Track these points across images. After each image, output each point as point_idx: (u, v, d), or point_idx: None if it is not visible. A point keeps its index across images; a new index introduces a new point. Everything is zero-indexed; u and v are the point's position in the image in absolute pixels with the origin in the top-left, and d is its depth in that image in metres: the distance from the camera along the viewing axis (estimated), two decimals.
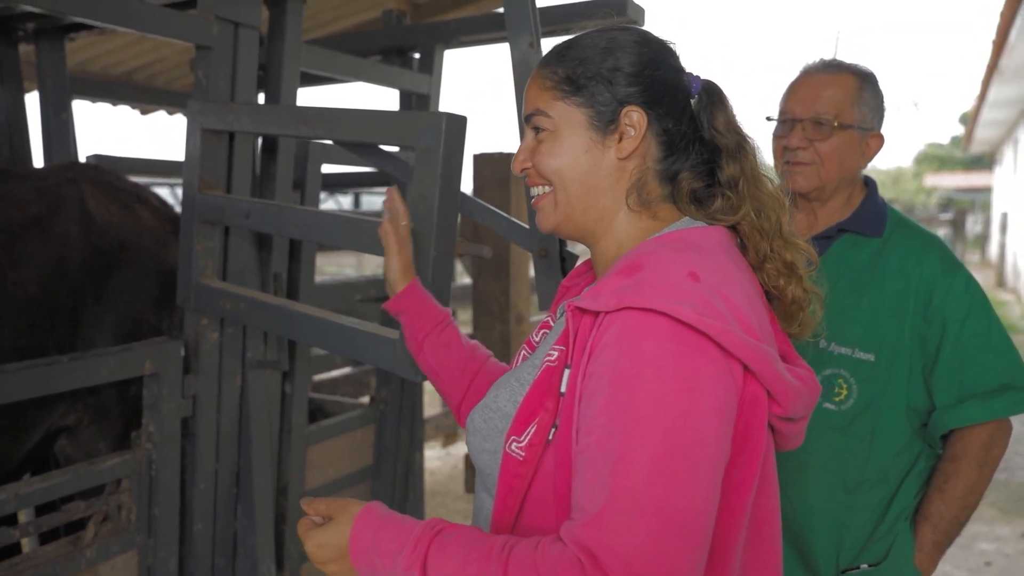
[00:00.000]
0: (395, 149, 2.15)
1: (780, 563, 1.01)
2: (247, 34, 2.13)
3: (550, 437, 0.93)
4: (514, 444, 0.94)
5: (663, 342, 0.85)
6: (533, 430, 0.93)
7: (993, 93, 10.84)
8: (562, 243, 1.82)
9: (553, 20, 2.17)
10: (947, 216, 23.56)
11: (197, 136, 2.01)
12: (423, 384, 3.05)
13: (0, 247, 2.07)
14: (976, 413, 1.51)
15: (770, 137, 1.68)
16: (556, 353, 0.95)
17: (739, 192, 1.02)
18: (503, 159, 3.05)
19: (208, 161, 2.02)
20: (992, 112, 12.85)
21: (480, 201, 1.93)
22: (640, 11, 2.08)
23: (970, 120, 15.20)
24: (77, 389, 2.03)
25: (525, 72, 1.72)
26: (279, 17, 2.27)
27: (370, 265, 10.99)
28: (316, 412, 3.07)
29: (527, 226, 1.87)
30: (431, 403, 5.65)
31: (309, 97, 3.00)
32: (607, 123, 1.01)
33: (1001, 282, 16.14)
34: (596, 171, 1.01)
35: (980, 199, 26.45)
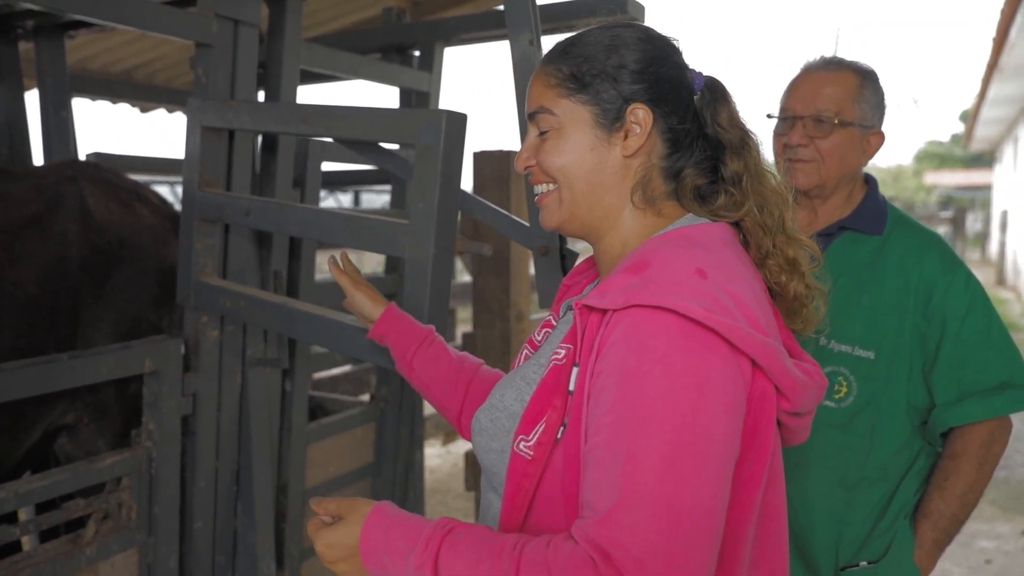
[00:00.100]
0: (395, 147, 2.15)
1: (787, 558, 1.01)
2: (247, 32, 2.13)
3: (559, 436, 0.92)
4: (522, 443, 0.94)
5: (672, 339, 0.85)
6: (542, 429, 0.93)
7: (993, 91, 10.84)
8: (562, 240, 1.82)
9: (553, 17, 2.17)
10: (947, 214, 23.56)
11: (197, 134, 2.01)
12: None
13: None
14: (976, 411, 1.52)
15: (771, 134, 1.68)
16: (563, 351, 0.95)
17: (742, 188, 1.02)
18: (503, 157, 3.04)
19: (208, 159, 2.02)
20: (992, 110, 12.85)
21: (480, 199, 1.93)
22: (640, 8, 2.08)
23: (970, 118, 15.19)
24: (77, 387, 2.03)
25: (525, 70, 1.71)
26: (279, 15, 2.26)
27: (370, 263, 11.00)
28: (316, 410, 3.07)
29: (527, 224, 1.87)
30: None
31: (309, 95, 3.00)
32: (612, 120, 1.00)
33: (1001, 280, 16.15)
34: (601, 168, 1.01)
35: (980, 197, 26.46)
